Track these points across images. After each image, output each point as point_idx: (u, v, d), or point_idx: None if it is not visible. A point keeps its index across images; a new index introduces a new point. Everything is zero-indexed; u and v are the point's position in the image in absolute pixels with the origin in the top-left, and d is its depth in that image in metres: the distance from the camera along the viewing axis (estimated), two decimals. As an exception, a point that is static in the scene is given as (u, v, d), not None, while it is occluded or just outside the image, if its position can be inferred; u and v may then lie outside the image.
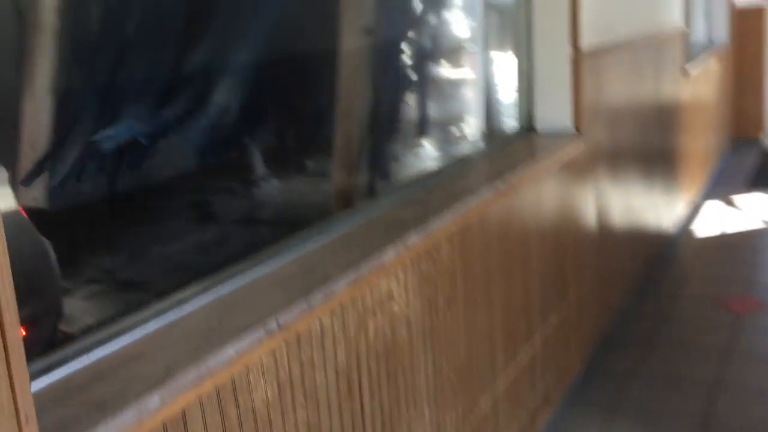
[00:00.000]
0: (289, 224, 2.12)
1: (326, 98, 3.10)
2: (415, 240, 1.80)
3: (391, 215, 1.98)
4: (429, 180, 2.34)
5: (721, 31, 6.80)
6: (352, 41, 3.05)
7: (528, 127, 3.04)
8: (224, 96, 3.82)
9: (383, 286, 1.71)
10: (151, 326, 1.33)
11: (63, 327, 1.90)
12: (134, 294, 2.41)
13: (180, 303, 1.40)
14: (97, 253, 2.87)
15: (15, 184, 2.14)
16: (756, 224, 4.99)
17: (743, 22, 7.01)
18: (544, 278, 2.68)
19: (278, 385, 1.39)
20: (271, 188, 4.25)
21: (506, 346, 2.38)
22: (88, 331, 1.26)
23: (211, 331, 1.30)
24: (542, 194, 2.64)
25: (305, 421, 1.47)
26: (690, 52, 5.16)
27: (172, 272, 2.69)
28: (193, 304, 1.43)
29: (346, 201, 2.81)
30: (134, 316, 1.34)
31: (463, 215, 2.03)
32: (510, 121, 3.17)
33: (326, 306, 1.49)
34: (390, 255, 1.70)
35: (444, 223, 1.93)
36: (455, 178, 2.35)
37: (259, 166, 4.33)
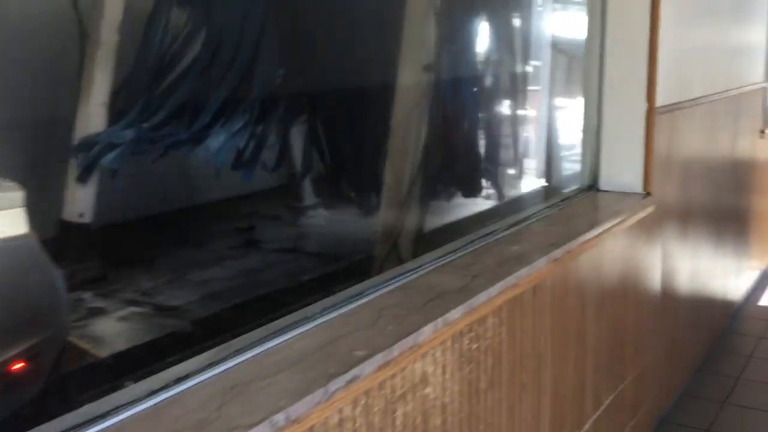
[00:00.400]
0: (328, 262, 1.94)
1: (381, 133, 2.94)
2: (456, 315, 1.59)
3: (432, 281, 1.78)
4: (479, 240, 2.12)
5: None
6: (410, 77, 2.88)
7: (591, 184, 2.80)
8: (280, 124, 3.70)
9: (417, 369, 1.50)
10: (138, 408, 1.15)
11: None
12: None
13: (177, 382, 1.22)
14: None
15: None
16: (832, 300, 4.61)
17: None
18: (600, 356, 2.43)
19: (284, 486, 1.20)
20: (318, 219, 4.10)
21: (552, 432, 2.14)
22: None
23: (206, 425, 1.11)
24: (603, 260, 2.41)
25: None
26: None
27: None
28: (194, 379, 1.25)
29: (388, 250, 2.62)
30: (122, 392, 1.17)
31: (513, 286, 1.82)
32: (573, 174, 2.95)
33: (349, 394, 1.30)
34: (427, 333, 1.49)
35: (491, 296, 1.72)
36: (506, 241, 2.14)
37: (308, 196, 4.20)
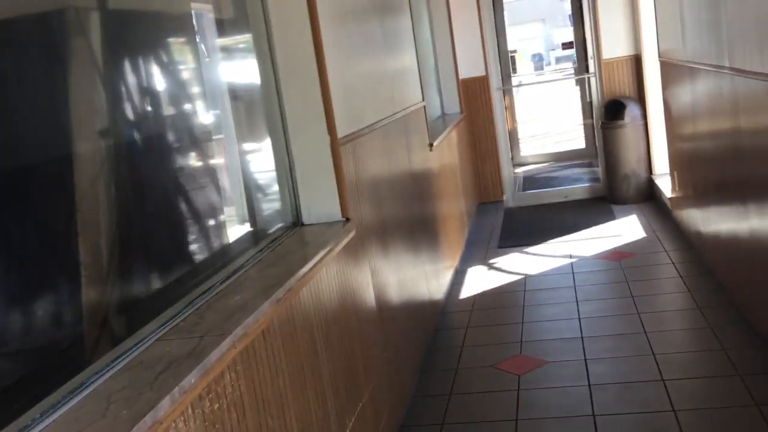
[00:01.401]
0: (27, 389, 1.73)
1: (65, 210, 2.71)
2: (192, 381, 1.53)
3: (158, 352, 1.69)
4: (197, 300, 2.07)
5: (454, 103, 7.30)
6: (87, 145, 2.72)
7: (295, 220, 2.89)
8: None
9: (161, 447, 1.41)
10: None
11: None
12: None
13: None
14: None
15: None
16: (512, 283, 5.27)
17: (470, 92, 7.59)
18: (337, 382, 2.50)
19: None
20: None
21: (308, 468, 2.15)
22: None
23: None
24: (321, 289, 2.49)
25: None
26: (430, 125, 5.41)
27: None
28: None
29: (100, 341, 2.43)
30: None
31: (243, 336, 1.80)
32: (275, 215, 3.01)
33: (91, 496, 1.18)
34: (165, 407, 1.42)
35: (222, 352, 1.68)
36: (227, 292, 2.11)
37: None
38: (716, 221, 4.46)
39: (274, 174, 2.92)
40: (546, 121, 15.71)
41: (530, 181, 8.79)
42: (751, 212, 3.59)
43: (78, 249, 2.70)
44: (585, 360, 3.78)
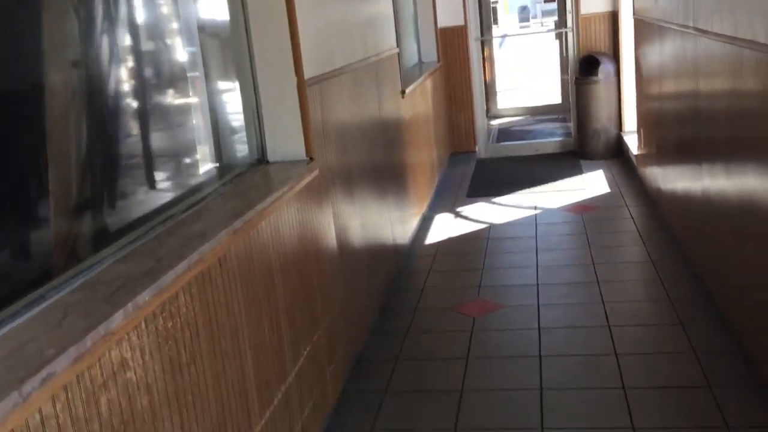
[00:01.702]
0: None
1: (36, 139, 2.77)
2: (146, 297, 1.64)
3: (116, 271, 1.79)
4: (159, 225, 2.16)
5: (431, 52, 7.33)
6: (59, 76, 2.76)
7: (260, 157, 2.97)
8: None
9: (114, 356, 1.53)
10: None
11: None
12: None
13: None
14: None
15: None
16: (477, 231, 5.41)
17: (448, 41, 7.62)
18: (293, 313, 2.62)
19: (-10, 499, 1.17)
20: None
21: (261, 390, 2.28)
22: None
23: None
24: (282, 225, 2.59)
25: None
26: (404, 73, 5.47)
27: None
28: None
29: (65, 252, 2.52)
30: None
31: (199, 262, 1.90)
32: (242, 152, 3.09)
33: (45, 392, 1.29)
34: (119, 319, 1.52)
35: (178, 274, 1.79)
36: (188, 221, 2.21)
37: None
38: (674, 179, 4.60)
39: (241, 112, 2.98)
40: (528, 75, 15.74)
41: (505, 134, 8.89)
42: (704, 172, 3.72)
43: (47, 178, 2.77)
44: (538, 305, 3.94)
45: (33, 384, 1.26)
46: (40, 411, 1.29)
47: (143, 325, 1.64)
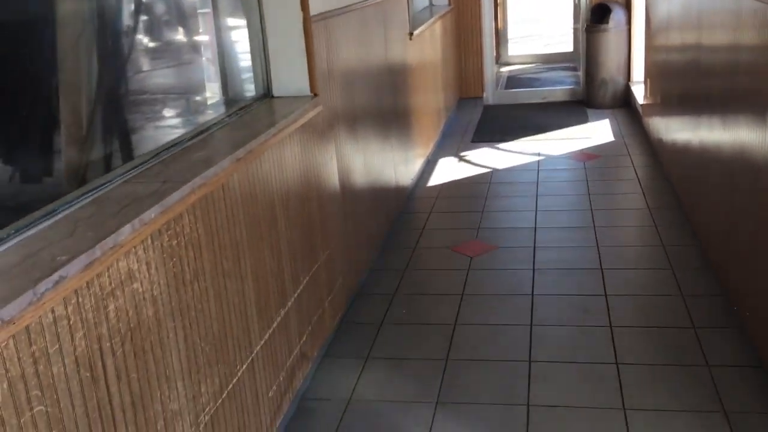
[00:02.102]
0: (7, 209, 1.93)
1: (48, 68, 2.84)
2: (152, 215, 1.74)
3: (124, 191, 1.89)
4: (165, 151, 2.26)
5: (442, -4, 7.29)
6: (70, 6, 2.82)
7: (265, 92, 3.05)
8: None
9: (122, 266, 1.64)
10: None
11: None
12: None
13: None
14: None
15: None
16: (480, 175, 5.49)
17: (461, -13, 7.57)
18: (293, 242, 2.73)
19: (8, 383, 1.29)
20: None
21: (261, 312, 2.40)
22: None
23: None
24: (285, 159, 2.68)
25: (44, 416, 1.37)
26: (414, 16, 5.47)
27: None
28: None
29: (76, 178, 2.62)
30: None
31: (203, 186, 2.00)
32: (248, 87, 3.15)
33: (58, 294, 1.40)
34: (126, 233, 1.63)
35: (182, 196, 1.88)
36: (193, 148, 2.30)
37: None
38: (675, 130, 4.65)
39: (248, 46, 3.04)
40: (541, 24, 15.56)
41: (514, 81, 8.88)
42: (702, 124, 3.77)
43: (58, 107, 2.85)
44: (534, 248, 4.05)
45: (47, 285, 1.37)
46: (52, 311, 1.41)
47: (149, 241, 1.75)
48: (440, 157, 5.96)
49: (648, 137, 5.87)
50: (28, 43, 3.18)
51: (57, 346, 1.42)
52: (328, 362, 3.06)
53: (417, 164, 5.36)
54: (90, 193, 1.87)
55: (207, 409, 2.02)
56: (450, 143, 6.38)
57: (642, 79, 6.48)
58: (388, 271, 3.90)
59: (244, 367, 2.28)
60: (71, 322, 1.46)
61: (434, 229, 4.48)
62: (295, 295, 2.73)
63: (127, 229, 1.63)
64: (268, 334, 2.47)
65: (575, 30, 9.38)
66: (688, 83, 4.17)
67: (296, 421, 2.70)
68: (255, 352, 2.36)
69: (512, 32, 10.70)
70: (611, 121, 6.66)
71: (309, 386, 2.89)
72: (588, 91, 7.29)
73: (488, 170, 5.56)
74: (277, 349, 2.55)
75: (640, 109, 6.32)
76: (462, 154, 6.06)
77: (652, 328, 3.15)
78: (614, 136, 6.19)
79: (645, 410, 2.60)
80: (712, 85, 3.55)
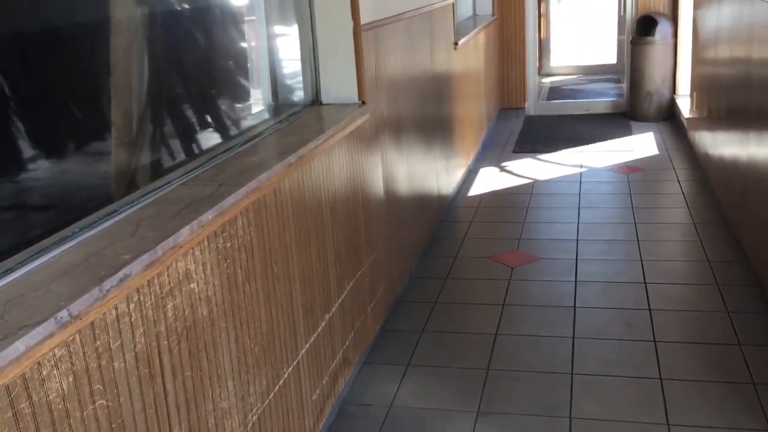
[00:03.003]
0: (69, 210, 1.98)
1: (101, 73, 2.92)
2: (209, 217, 1.78)
3: (182, 193, 1.94)
4: (218, 157, 2.31)
5: (486, 5, 7.29)
6: (124, 11, 2.89)
7: (314, 99, 3.09)
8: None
9: (180, 267, 1.68)
10: None
11: None
12: None
13: (-46, 301, 1.29)
14: None
15: None
16: (521, 186, 5.47)
17: (505, -3, 7.57)
18: (339, 248, 2.77)
19: (74, 377, 1.33)
20: (44, 172, 3.92)
21: (307, 316, 2.44)
22: None
23: (-5, 328, 1.21)
24: (333, 165, 2.71)
25: (105, 409, 1.42)
26: (458, 25, 5.49)
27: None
28: (-30, 300, 1.32)
29: (131, 181, 2.69)
30: None
31: (256, 190, 2.04)
32: (297, 94, 3.20)
33: (121, 291, 1.45)
34: (185, 234, 1.67)
35: (237, 199, 1.93)
36: (245, 153, 2.35)
37: (26, 148, 3.97)
38: (722, 144, 4.59)
39: (298, 54, 3.09)
40: (584, 34, 15.45)
41: (556, 92, 8.84)
42: (752, 139, 3.73)
43: (110, 110, 2.92)
44: (576, 260, 4.03)
45: (112, 282, 1.42)
46: (116, 308, 1.45)
47: (206, 242, 1.79)
48: (481, 167, 5.96)
49: (693, 151, 5.80)
50: (84, 49, 3.26)
51: (119, 342, 1.46)
52: (369, 369, 3.08)
53: (459, 173, 5.37)
54: (150, 195, 1.92)
55: (254, 410, 2.06)
56: (491, 153, 6.38)
57: (688, 92, 6.41)
58: (428, 280, 3.92)
59: (290, 369, 2.31)
60: (133, 320, 1.51)
61: (475, 239, 4.48)
62: (340, 300, 2.77)
63: (186, 231, 1.68)
64: (313, 338, 2.50)
65: (619, 41, 9.31)
66: (738, 97, 4.12)
67: (338, 425, 2.72)
68: (300, 355, 2.39)
69: (555, 43, 10.65)
70: (655, 134, 6.59)
71: (350, 391, 2.91)
72: (632, 104, 7.22)
73: (530, 181, 5.54)
74: (321, 352, 2.58)
75: (685, 123, 6.24)
76: (503, 164, 6.05)
77: (697, 344, 3.11)
78: (658, 149, 6.13)
79: (688, 426, 2.57)
80: (763, 100, 3.50)
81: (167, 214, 1.76)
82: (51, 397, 1.28)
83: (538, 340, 3.23)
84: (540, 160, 6.11)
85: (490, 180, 5.62)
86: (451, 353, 3.18)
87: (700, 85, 5.63)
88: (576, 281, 3.77)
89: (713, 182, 4.88)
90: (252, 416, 2.04)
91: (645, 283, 3.69)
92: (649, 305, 3.46)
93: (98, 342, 1.40)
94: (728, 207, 4.36)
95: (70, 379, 1.33)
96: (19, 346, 1.18)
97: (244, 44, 3.60)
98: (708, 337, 3.16)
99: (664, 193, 5.10)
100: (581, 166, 5.79)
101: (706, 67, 5.30)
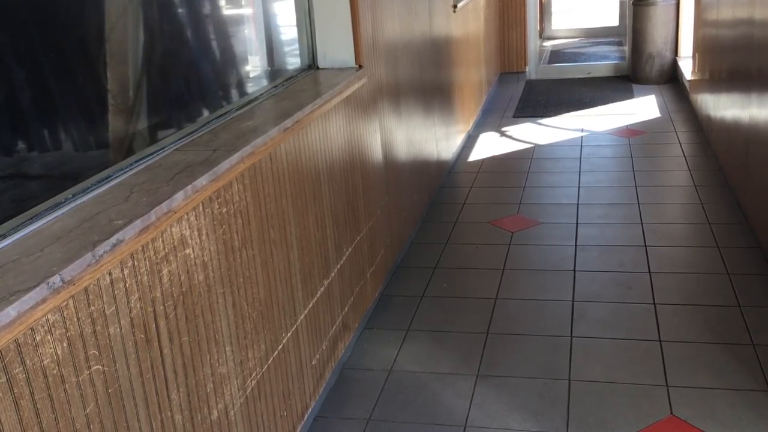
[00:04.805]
0: (63, 177, 1.97)
1: (95, 40, 2.88)
2: (203, 182, 1.77)
3: (176, 158, 1.92)
4: (213, 121, 2.28)
5: (486, -32, 7.18)
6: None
7: (311, 63, 3.05)
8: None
9: (175, 232, 1.67)
10: None
11: None
12: None
13: (-55, 267, 1.28)
14: None
15: None
16: (522, 150, 5.44)
17: (505, -41, 7.45)
18: (337, 213, 2.75)
19: (68, 342, 1.33)
20: (37, 139, 3.89)
21: (305, 281, 2.43)
22: None
23: (-14, 294, 1.20)
24: (330, 130, 2.69)
25: (101, 374, 1.42)
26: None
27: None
28: (-38, 267, 1.31)
29: (126, 147, 2.67)
30: None
31: (251, 155, 2.02)
32: (293, 59, 3.16)
33: (114, 257, 1.44)
34: (179, 199, 1.66)
35: (232, 164, 1.91)
36: (241, 118, 2.33)
37: (19, 115, 3.94)
38: (724, 107, 4.55)
39: (294, 18, 3.05)
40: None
41: (557, 55, 8.76)
42: (753, 101, 3.68)
43: (106, 76, 2.89)
44: (576, 224, 4.02)
45: (105, 248, 1.41)
46: (110, 273, 1.45)
47: (201, 208, 1.78)
48: (482, 132, 5.92)
49: (695, 114, 5.75)
50: (80, 15, 3.20)
51: (114, 307, 1.46)
52: (369, 334, 3.09)
53: (458, 138, 5.34)
54: (143, 160, 1.90)
55: (254, 375, 2.06)
56: (491, 118, 6.33)
57: (690, 54, 6.34)
58: (428, 245, 3.91)
59: (289, 334, 2.31)
60: (127, 285, 1.50)
61: (475, 204, 4.47)
62: (339, 265, 2.76)
63: (180, 196, 1.66)
64: (312, 304, 2.50)
65: (621, 3, 9.19)
66: (740, 59, 4.07)
67: (338, 390, 2.74)
68: (299, 320, 2.39)
69: (556, 5, 10.52)
70: (657, 97, 6.53)
71: (350, 356, 2.93)
72: (634, 67, 7.15)
73: (530, 145, 5.51)
74: (320, 318, 2.58)
75: (687, 85, 6.19)
76: (504, 129, 6.01)
77: (697, 306, 3.11)
78: (660, 112, 6.08)
79: (688, 387, 2.58)
80: (764, 61, 3.46)
81: (161, 180, 1.74)
82: (45, 362, 1.27)
83: (537, 304, 3.23)
84: (541, 124, 6.06)
85: (490, 145, 5.59)
86: (450, 318, 3.18)
87: (702, 47, 5.56)
88: (576, 245, 3.76)
89: (715, 145, 4.85)
90: (251, 381, 2.05)
91: (645, 246, 3.68)
92: (649, 268, 3.45)
93: (92, 307, 1.40)
94: (729, 169, 4.34)
95: (65, 345, 1.32)
96: (11, 311, 1.17)
97: (239, 8, 3.55)
98: (708, 299, 3.16)
99: (665, 156, 5.07)
100: (582, 130, 5.75)
101: (708, 29, 5.23)
